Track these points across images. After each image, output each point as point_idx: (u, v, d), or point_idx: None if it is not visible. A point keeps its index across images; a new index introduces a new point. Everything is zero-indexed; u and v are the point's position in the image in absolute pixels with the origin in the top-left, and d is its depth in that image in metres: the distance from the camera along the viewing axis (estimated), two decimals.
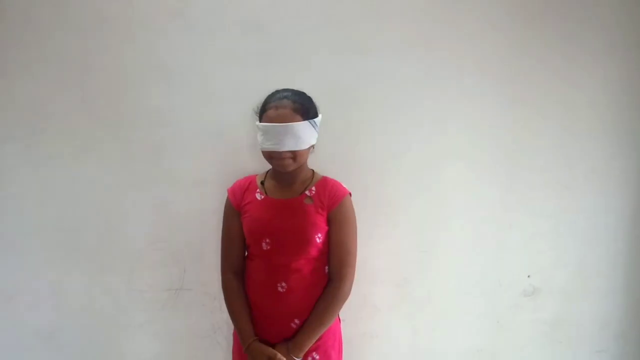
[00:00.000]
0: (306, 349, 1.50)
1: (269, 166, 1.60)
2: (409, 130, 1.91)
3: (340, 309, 1.55)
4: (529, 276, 2.08)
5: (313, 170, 1.62)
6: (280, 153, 1.44)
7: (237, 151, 1.81)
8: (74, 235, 1.86)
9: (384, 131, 1.90)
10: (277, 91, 1.50)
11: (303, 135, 1.43)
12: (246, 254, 1.63)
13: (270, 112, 1.43)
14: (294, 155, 1.45)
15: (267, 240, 1.50)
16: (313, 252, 1.50)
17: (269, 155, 1.47)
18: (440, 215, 1.99)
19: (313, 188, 1.54)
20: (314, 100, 1.54)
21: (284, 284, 1.51)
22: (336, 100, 1.82)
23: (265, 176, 1.61)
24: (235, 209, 1.57)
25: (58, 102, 1.78)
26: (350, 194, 1.58)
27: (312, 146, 1.52)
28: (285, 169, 1.47)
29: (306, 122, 1.43)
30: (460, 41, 1.90)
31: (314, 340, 1.51)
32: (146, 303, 1.91)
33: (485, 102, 1.94)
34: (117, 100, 1.79)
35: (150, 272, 1.89)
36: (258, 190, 1.56)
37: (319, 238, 1.49)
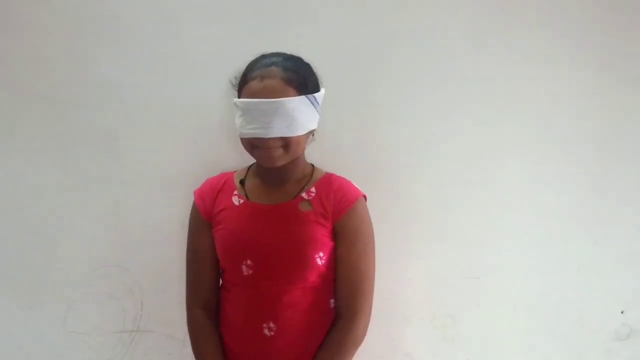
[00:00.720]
0: None
1: (251, 160, 1.43)
2: (453, 112, 1.73)
3: (352, 357, 1.40)
4: (622, 312, 1.87)
5: (313, 166, 1.45)
6: (266, 141, 1.27)
7: (215, 140, 1.66)
8: None
9: (416, 113, 1.72)
10: (263, 56, 1.32)
11: (299, 115, 1.27)
12: (220, 282, 1.49)
13: (253, 84, 1.27)
14: (286, 143, 1.29)
15: (249, 263, 1.35)
16: (312, 278, 1.36)
17: (251, 144, 1.31)
18: (496, 229, 1.79)
19: (312, 189, 1.38)
20: (315, 69, 1.37)
21: (272, 325, 1.35)
22: (349, 69, 1.67)
23: (246, 173, 1.46)
24: (204, 219, 1.42)
25: None
26: (365, 197, 1.41)
27: (312, 132, 1.36)
28: (274, 164, 1.31)
29: (302, 98, 1.27)
30: None
31: None
32: (89, 350, 1.73)
33: (567, 72, 1.74)
34: (50, 70, 1.62)
35: (95, 308, 1.70)
36: (236, 192, 1.41)
37: (320, 259, 1.34)
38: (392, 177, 1.71)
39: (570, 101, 1.75)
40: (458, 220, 1.76)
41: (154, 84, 1.64)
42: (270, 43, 1.52)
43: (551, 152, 1.77)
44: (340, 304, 1.40)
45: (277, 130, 1.26)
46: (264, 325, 1.35)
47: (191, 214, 1.47)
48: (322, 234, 1.36)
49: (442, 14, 1.67)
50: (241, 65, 1.37)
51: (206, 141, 1.66)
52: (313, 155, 1.50)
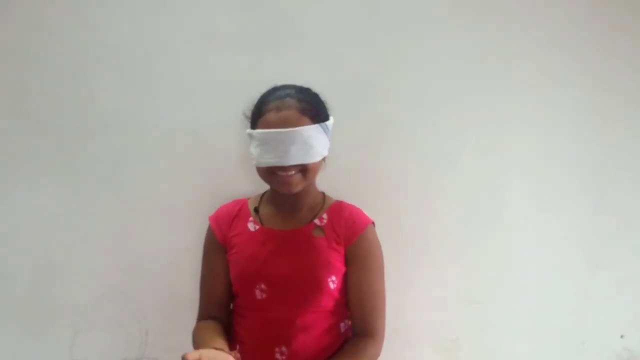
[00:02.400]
0: None
1: (263, 187, 1.44)
2: (455, 136, 1.72)
3: None
4: (622, 336, 1.86)
5: (324, 193, 1.47)
6: (285, 168, 1.29)
7: (222, 167, 1.65)
8: None
9: (420, 137, 1.72)
10: (275, 88, 1.35)
11: (314, 143, 1.29)
12: (232, 306, 1.48)
13: (270, 116, 1.29)
14: (304, 169, 1.31)
15: (263, 287, 1.35)
16: (326, 302, 1.36)
17: (270, 172, 1.32)
18: (500, 253, 1.78)
19: (324, 216, 1.39)
20: (323, 98, 1.40)
21: (284, 349, 1.34)
22: (353, 96, 1.66)
23: (260, 200, 1.46)
24: (220, 243, 1.42)
25: None
26: (373, 224, 1.43)
27: (324, 159, 1.38)
28: (292, 190, 1.32)
29: (317, 126, 1.29)
30: (528, 8, 1.71)
31: None
32: None
33: (566, 95, 1.74)
34: (58, 98, 1.61)
35: (101, 335, 1.67)
36: (251, 218, 1.42)
37: (333, 283, 1.35)
38: (394, 203, 1.71)
39: (570, 125, 1.75)
40: (460, 246, 1.75)
41: (159, 112, 1.63)
42: (275, 69, 1.55)
43: (551, 177, 1.77)
44: (355, 323, 1.39)
45: (295, 158, 1.28)
46: (276, 349, 1.35)
47: (206, 237, 1.47)
48: (335, 259, 1.36)
49: (443, 37, 1.68)
50: (248, 94, 1.37)
51: (210, 169, 1.65)
52: (320, 182, 1.49)
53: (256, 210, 1.44)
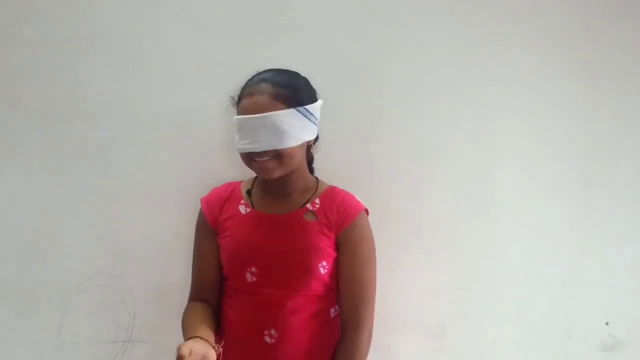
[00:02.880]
0: None
1: (251, 172, 1.43)
2: (447, 124, 1.72)
3: None
4: (607, 323, 1.88)
5: (317, 179, 1.46)
6: (258, 154, 1.30)
7: (209, 151, 1.65)
8: None
9: (411, 125, 1.71)
10: (258, 73, 1.35)
11: (289, 128, 1.28)
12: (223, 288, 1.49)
13: (244, 102, 1.30)
14: (278, 155, 1.30)
15: (253, 270, 1.36)
16: (316, 286, 1.36)
17: (249, 158, 1.33)
18: (488, 240, 1.78)
19: (317, 201, 1.39)
20: (309, 82, 1.39)
21: (273, 332, 1.34)
22: (346, 81, 1.65)
23: (253, 184, 1.46)
24: (211, 227, 1.43)
25: None
26: (366, 211, 1.43)
27: (311, 144, 1.39)
28: (269, 175, 1.32)
29: (291, 111, 1.28)
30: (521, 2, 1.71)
31: None
32: None
33: (555, 84, 1.75)
34: (47, 83, 1.59)
35: (89, 318, 1.66)
36: (243, 201, 1.42)
37: (323, 268, 1.35)
38: (385, 189, 1.71)
39: (558, 117, 1.76)
40: (448, 232, 1.76)
41: (148, 97, 1.62)
42: (266, 55, 1.53)
43: (540, 166, 1.77)
44: (344, 313, 1.40)
45: (267, 144, 1.27)
46: (266, 332, 1.35)
47: (198, 221, 1.47)
48: (326, 244, 1.36)
49: (436, 27, 1.68)
50: (238, 77, 1.37)
51: (198, 153, 1.64)
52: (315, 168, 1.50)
53: (248, 193, 1.44)
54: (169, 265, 1.63)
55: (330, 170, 1.52)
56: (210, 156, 1.63)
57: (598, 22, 1.73)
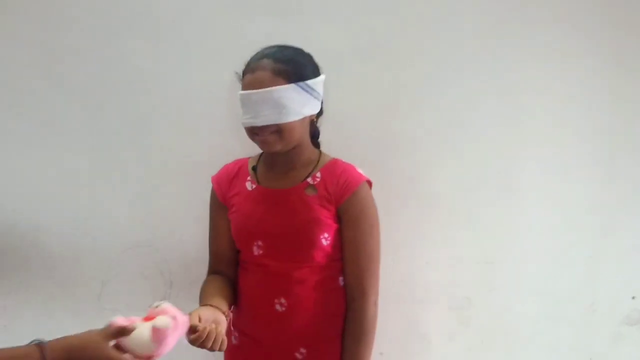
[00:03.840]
0: None
1: None
2: (470, 100, 1.71)
3: (374, 334, 1.40)
4: (633, 297, 1.86)
5: (321, 152, 1.45)
6: (259, 128, 1.30)
7: (238, 128, 1.61)
8: (27, 239, 1.68)
9: (433, 102, 1.71)
10: (262, 49, 1.36)
11: (288, 103, 1.28)
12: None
13: (247, 77, 1.32)
14: (279, 129, 1.30)
15: (259, 243, 1.39)
16: (319, 257, 1.37)
17: (252, 132, 1.34)
18: (512, 216, 1.78)
19: (318, 174, 1.39)
20: (311, 57, 1.38)
21: (283, 301, 1.37)
22: (363, 56, 1.64)
23: (259, 160, 1.47)
24: (221, 202, 1.46)
25: (5, 61, 1.61)
26: (368, 182, 1.41)
27: (313, 119, 1.38)
28: (270, 149, 1.34)
29: (292, 86, 1.29)
30: None
31: None
32: None
33: (579, 64, 1.73)
34: (83, 60, 1.62)
35: (127, 286, 1.71)
36: (249, 178, 1.44)
37: (325, 239, 1.36)
38: (410, 164, 1.71)
39: (582, 97, 1.75)
40: (473, 207, 1.76)
41: (186, 74, 1.64)
42: (292, 34, 1.52)
43: (564, 145, 1.77)
44: (349, 283, 1.41)
45: (268, 118, 1.28)
46: (276, 300, 1.37)
47: (210, 198, 1.50)
48: (326, 216, 1.37)
49: (460, 7, 1.67)
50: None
51: (231, 127, 1.62)
52: (332, 143, 1.50)
53: (254, 169, 1.46)
54: (204, 237, 1.60)
55: (354, 147, 1.52)
56: (240, 133, 1.56)
57: (623, 2, 1.71)
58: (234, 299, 1.43)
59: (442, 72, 1.68)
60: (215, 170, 1.59)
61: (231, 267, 1.46)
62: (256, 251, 1.39)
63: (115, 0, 1.60)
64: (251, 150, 1.54)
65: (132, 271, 1.71)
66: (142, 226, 1.70)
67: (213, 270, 1.47)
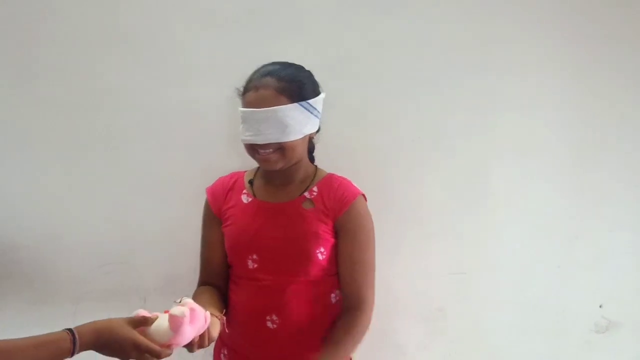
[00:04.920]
0: None
1: (254, 162, 1.45)
2: (445, 115, 1.73)
3: (361, 338, 1.40)
4: (601, 306, 1.88)
5: (316, 167, 1.47)
6: (261, 146, 1.31)
7: (217, 142, 1.68)
8: (2, 256, 1.66)
9: (411, 115, 1.73)
10: (264, 66, 1.36)
11: (291, 122, 1.29)
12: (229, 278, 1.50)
13: (250, 95, 1.31)
14: (281, 147, 1.31)
15: (254, 257, 1.37)
16: (314, 272, 1.37)
17: (252, 149, 1.34)
18: (484, 226, 1.80)
19: (315, 189, 1.39)
20: (312, 76, 1.39)
21: (274, 317, 1.35)
22: (347, 74, 1.66)
23: (255, 174, 1.47)
24: (215, 215, 1.44)
25: None
26: (364, 196, 1.42)
27: (312, 136, 1.39)
28: (271, 167, 1.34)
29: (295, 105, 1.29)
30: None
31: None
32: None
33: (549, 80, 1.76)
34: (60, 77, 1.62)
35: (102, 304, 1.65)
36: (245, 191, 1.43)
37: (321, 254, 1.35)
38: (382, 177, 1.71)
39: (550, 110, 1.77)
40: (445, 219, 1.77)
41: (158, 91, 1.64)
42: (270, 49, 1.53)
43: (533, 157, 1.78)
44: (346, 295, 1.40)
45: (270, 136, 1.28)
46: (267, 317, 1.35)
47: (204, 210, 1.48)
48: (324, 231, 1.37)
49: (434, 21, 1.69)
50: (243, 71, 1.37)
51: (206, 145, 1.66)
52: (316, 158, 1.51)
53: (250, 183, 1.45)
54: (179, 254, 1.65)
55: (332, 161, 1.52)
56: (218, 148, 1.65)
57: (588, 18, 1.74)
58: (225, 311, 1.42)
59: (413, 86, 1.70)
60: (190, 187, 1.60)
61: (222, 280, 1.45)
62: (251, 265, 1.38)
63: (91, 16, 1.60)
64: (229, 167, 1.56)
65: (107, 288, 1.68)
66: (115, 243, 1.68)
67: (204, 282, 1.45)
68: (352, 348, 1.38)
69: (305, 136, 1.33)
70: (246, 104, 1.31)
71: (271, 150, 1.30)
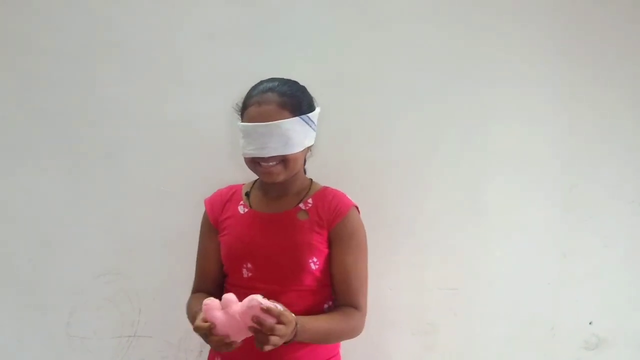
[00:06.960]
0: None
1: (252, 175, 1.45)
2: (437, 129, 1.74)
3: (352, 334, 1.40)
4: (590, 323, 1.86)
5: (311, 180, 1.49)
6: (265, 159, 1.33)
7: (213, 155, 1.68)
8: None
9: (404, 129, 1.73)
10: (262, 82, 1.38)
11: (293, 135, 1.32)
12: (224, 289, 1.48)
13: (252, 110, 1.33)
14: (284, 160, 1.34)
15: (249, 266, 1.38)
16: (308, 281, 1.37)
17: (254, 162, 1.35)
18: (476, 242, 1.79)
19: (310, 200, 1.41)
20: (309, 90, 1.42)
21: None
22: (342, 88, 1.68)
23: (252, 186, 1.49)
24: (212, 225, 1.46)
25: None
26: (357, 207, 1.44)
27: (309, 149, 1.41)
28: (274, 179, 1.35)
29: (296, 119, 1.33)
30: (509, 11, 1.72)
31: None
32: (89, 353, 1.70)
33: (540, 93, 1.76)
34: (57, 88, 1.62)
35: (96, 313, 1.68)
36: (242, 202, 1.45)
37: (314, 264, 1.37)
38: (375, 190, 1.72)
39: (543, 126, 1.77)
40: (437, 234, 1.76)
41: (156, 102, 1.65)
42: (267, 63, 1.57)
43: (526, 172, 1.77)
44: (342, 302, 1.40)
45: (274, 149, 1.31)
46: None
47: (202, 220, 1.50)
48: (318, 241, 1.38)
49: (426, 36, 1.69)
50: (240, 86, 1.39)
51: (202, 156, 1.67)
52: (309, 171, 1.52)
53: (247, 194, 1.47)
54: (174, 264, 1.65)
55: (326, 174, 1.54)
56: (215, 160, 1.66)
57: (585, 33, 1.75)
58: None
59: (405, 100, 1.70)
60: (185, 197, 1.63)
61: (216, 289, 1.46)
62: (245, 273, 1.39)
63: (91, 28, 1.61)
64: (227, 178, 1.56)
65: (101, 298, 1.68)
66: (111, 252, 1.68)
67: (198, 290, 1.46)
68: (338, 335, 1.38)
69: (305, 148, 1.36)
70: (249, 119, 1.33)
71: (274, 162, 1.33)
